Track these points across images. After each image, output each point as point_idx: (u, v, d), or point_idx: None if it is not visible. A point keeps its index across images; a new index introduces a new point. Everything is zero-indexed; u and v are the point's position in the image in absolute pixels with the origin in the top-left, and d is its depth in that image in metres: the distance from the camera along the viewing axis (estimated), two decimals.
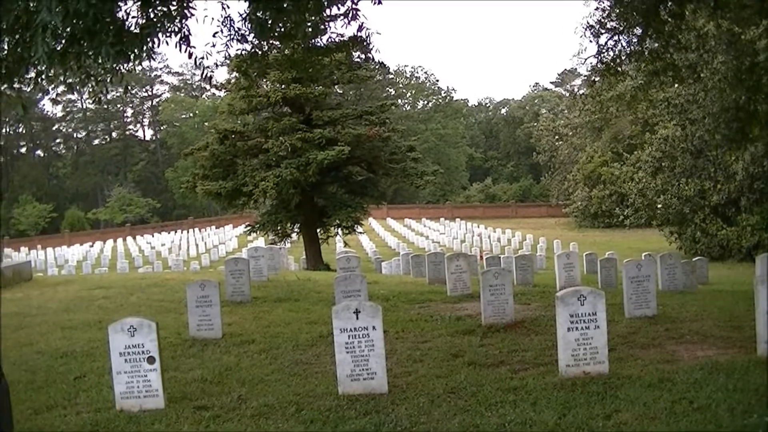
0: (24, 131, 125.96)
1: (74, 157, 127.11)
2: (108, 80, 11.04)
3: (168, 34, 10.27)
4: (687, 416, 7.73)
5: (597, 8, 19.01)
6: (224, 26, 11.95)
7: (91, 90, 11.01)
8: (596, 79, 20.72)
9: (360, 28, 12.02)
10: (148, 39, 9.75)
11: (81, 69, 10.13)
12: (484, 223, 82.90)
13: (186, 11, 10.24)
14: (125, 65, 10.48)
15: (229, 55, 12.56)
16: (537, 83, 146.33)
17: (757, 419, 7.46)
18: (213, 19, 11.76)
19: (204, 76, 11.91)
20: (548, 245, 58.56)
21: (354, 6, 12.06)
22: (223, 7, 11.73)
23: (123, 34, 9.47)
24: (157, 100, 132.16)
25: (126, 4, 9.74)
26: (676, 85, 35.95)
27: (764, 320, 9.80)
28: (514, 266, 23.55)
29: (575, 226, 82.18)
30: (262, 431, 7.99)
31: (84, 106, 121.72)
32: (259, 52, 13.59)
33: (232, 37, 12.08)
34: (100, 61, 9.44)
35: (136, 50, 9.65)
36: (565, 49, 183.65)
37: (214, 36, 11.98)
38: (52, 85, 12.04)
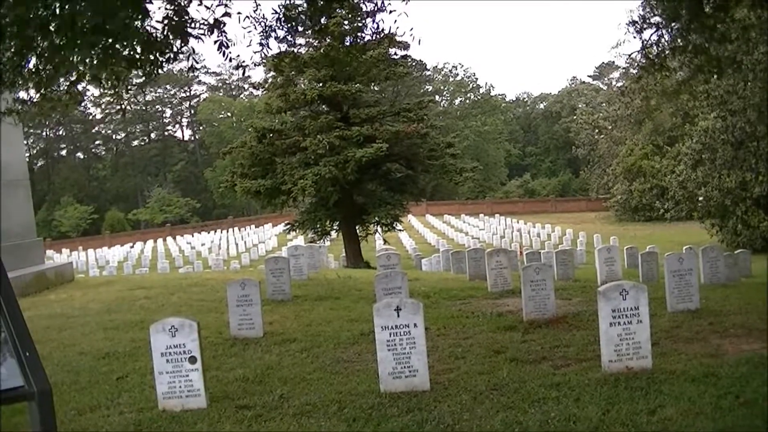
0: (64, 134, 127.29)
1: (114, 159, 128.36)
2: (132, 82, 11.08)
3: (201, 39, 10.30)
4: (733, 411, 7.62)
5: (641, 3, 18.81)
6: (258, 24, 11.92)
7: (114, 92, 11.03)
8: (641, 75, 20.50)
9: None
10: (177, 42, 9.78)
11: (111, 70, 10.15)
12: (523, 218, 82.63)
13: (222, 19, 10.25)
14: (152, 68, 10.50)
15: (265, 55, 12.53)
16: (575, 77, 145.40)
17: None
18: (246, 17, 11.73)
19: (239, 69, 11.91)
20: (588, 240, 58.22)
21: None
22: (256, 6, 11.72)
23: (150, 38, 9.51)
24: (196, 100, 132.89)
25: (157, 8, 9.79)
26: (715, 77, 35.55)
27: None
28: (554, 261, 23.36)
29: (615, 220, 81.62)
30: (305, 430, 7.97)
31: (123, 107, 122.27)
32: (294, 50, 13.59)
33: (266, 35, 12.04)
34: (126, 62, 9.50)
35: (159, 55, 9.68)
36: (602, 42, 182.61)
37: (248, 31, 11.97)
38: (85, 84, 12.04)
